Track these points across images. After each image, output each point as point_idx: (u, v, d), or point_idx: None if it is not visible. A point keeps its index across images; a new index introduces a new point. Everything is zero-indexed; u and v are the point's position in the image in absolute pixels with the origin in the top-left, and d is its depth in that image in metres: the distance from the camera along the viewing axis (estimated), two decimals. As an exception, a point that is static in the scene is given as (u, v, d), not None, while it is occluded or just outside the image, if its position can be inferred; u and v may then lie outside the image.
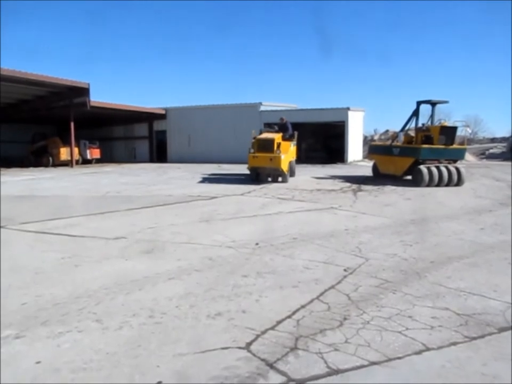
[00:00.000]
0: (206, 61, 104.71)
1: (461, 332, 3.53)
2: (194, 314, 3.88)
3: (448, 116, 16.65)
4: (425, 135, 14.73)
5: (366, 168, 20.08)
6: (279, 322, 3.69)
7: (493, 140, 47.40)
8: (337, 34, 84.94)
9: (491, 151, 37.71)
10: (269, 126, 18.46)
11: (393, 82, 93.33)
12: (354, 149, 28.41)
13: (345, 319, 3.77)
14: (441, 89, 73.70)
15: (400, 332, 3.50)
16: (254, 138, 15.89)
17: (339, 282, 4.79)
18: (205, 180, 16.66)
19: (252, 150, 15.02)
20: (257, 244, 6.41)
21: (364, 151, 30.29)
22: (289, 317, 3.81)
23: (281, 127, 16.77)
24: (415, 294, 4.40)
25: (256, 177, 15.45)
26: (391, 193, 12.69)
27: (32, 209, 9.86)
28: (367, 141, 33.61)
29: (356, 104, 27.36)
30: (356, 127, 28.26)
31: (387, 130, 43.68)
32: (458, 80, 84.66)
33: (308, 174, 18.49)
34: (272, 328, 3.58)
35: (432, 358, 3.13)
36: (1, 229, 7.44)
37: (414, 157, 14.54)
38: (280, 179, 15.26)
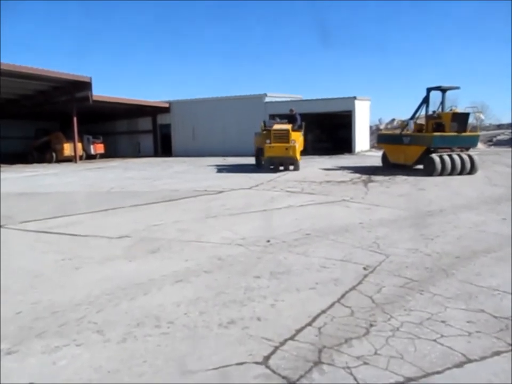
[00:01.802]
0: (209, 53, 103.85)
1: (503, 339, 3.16)
2: (205, 322, 3.53)
3: (454, 103, 16.20)
4: (436, 122, 14.28)
5: (375, 158, 19.68)
6: (298, 331, 3.33)
7: (499, 127, 46.60)
8: (339, 23, 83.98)
9: (498, 137, 37.05)
10: (273, 118, 19.03)
11: (397, 71, 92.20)
12: (362, 138, 27.94)
13: (371, 325, 3.40)
14: (445, 77, 72.70)
15: (435, 340, 3.14)
16: (265, 129, 16.67)
17: (360, 282, 4.42)
18: (211, 173, 16.33)
19: (268, 141, 15.88)
20: (268, 241, 6.05)
21: (370, 141, 29.82)
22: (309, 324, 3.45)
23: (291, 118, 17.35)
24: (444, 294, 4.02)
25: (270, 165, 16.23)
26: (403, 183, 12.28)
27: (33, 207, 9.55)
28: (372, 131, 33.08)
29: (359, 94, 26.78)
30: (362, 117, 27.78)
31: (393, 119, 42.98)
32: (462, 67, 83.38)
33: (315, 166, 18.14)
34: (292, 338, 3.23)
35: (476, 371, 2.77)
36: (1, 229, 7.12)
37: (425, 145, 14.07)
38: (291, 167, 16.21)
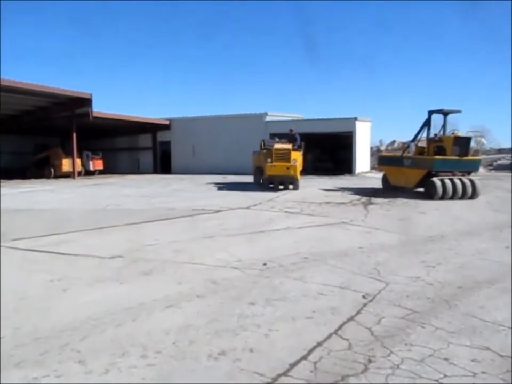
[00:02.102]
0: (211, 71, 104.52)
1: (510, 382, 2.96)
2: (194, 353, 3.33)
3: (454, 126, 16.16)
4: (437, 145, 14.18)
5: (375, 180, 19.55)
6: (292, 365, 3.14)
7: (499, 151, 46.60)
8: (339, 44, 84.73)
9: (499, 162, 36.99)
10: (272, 137, 19.50)
11: (398, 93, 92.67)
12: (362, 160, 27.86)
13: (370, 361, 3.21)
14: (446, 100, 73.07)
15: (437, 381, 2.94)
16: (265, 148, 17.04)
17: (359, 312, 4.23)
18: (210, 192, 16.19)
19: (269, 160, 16.10)
20: (265, 264, 5.86)
21: (371, 162, 29.75)
22: (304, 358, 3.26)
23: (290, 138, 17.62)
24: (447, 328, 3.83)
25: (270, 184, 16.52)
26: (403, 206, 12.12)
27: (27, 223, 9.38)
28: (373, 152, 33.05)
29: (360, 115, 26.79)
30: (363, 138, 27.74)
31: (393, 141, 43.18)
32: (463, 90, 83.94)
33: (315, 186, 18.00)
34: (285, 373, 3.03)
35: (482, 417, 2.58)
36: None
37: (426, 168, 13.95)
38: (291, 186, 16.38)
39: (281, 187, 16.44)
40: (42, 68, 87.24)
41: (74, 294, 4.72)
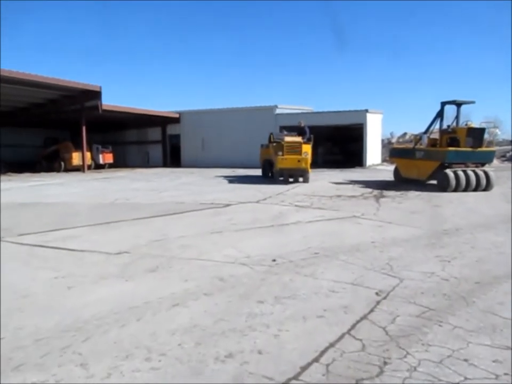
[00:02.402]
0: (221, 63, 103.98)
1: (536, 385, 2.78)
2: (200, 355, 3.19)
3: (466, 117, 15.82)
4: (450, 137, 13.90)
5: (386, 173, 19.29)
6: (304, 368, 2.98)
7: (512, 142, 45.82)
8: (352, 35, 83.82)
9: (512, 153, 36.37)
10: (281, 130, 19.69)
11: (409, 84, 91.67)
12: (373, 152, 27.52)
13: (385, 363, 3.04)
14: (457, 91, 72.00)
15: (458, 385, 2.77)
16: (274, 141, 16.99)
17: (372, 310, 4.05)
18: (219, 185, 16.06)
19: (280, 153, 16.07)
20: (274, 260, 5.71)
21: (382, 154, 29.41)
22: (316, 360, 3.09)
23: (300, 131, 17.72)
24: (466, 326, 3.65)
25: (280, 177, 16.52)
26: (416, 199, 11.88)
27: (34, 218, 9.30)
28: (383, 144, 32.66)
29: (371, 107, 26.41)
30: (374, 130, 27.39)
31: (405, 133, 42.65)
32: (475, 81, 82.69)
33: (326, 179, 17.80)
34: (296, 377, 2.88)
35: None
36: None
37: (439, 160, 13.67)
38: (300, 179, 16.41)
39: (290, 180, 16.48)
40: (52, 60, 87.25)
41: (79, 292, 4.60)
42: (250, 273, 5.19)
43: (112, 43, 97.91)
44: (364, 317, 3.86)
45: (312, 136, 17.31)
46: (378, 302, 4.25)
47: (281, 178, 16.40)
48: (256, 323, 3.75)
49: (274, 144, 16.82)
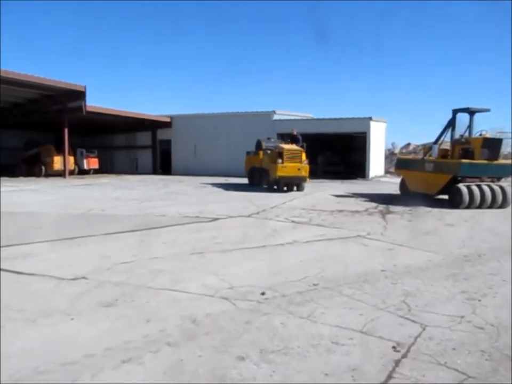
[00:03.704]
0: (215, 66, 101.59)
1: None
2: None
3: (479, 127, 14.84)
4: (463, 148, 12.84)
5: (391, 185, 18.26)
6: None
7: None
8: (353, 41, 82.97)
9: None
10: (278, 137, 20.11)
11: (412, 93, 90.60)
12: (376, 163, 26.38)
13: None
14: (462, 100, 70.97)
15: None
16: (266, 148, 17.18)
17: (390, 376, 2.98)
18: (209, 196, 14.96)
19: (280, 161, 15.87)
20: (263, 293, 4.62)
21: (385, 165, 28.35)
22: None
23: (293, 139, 18.08)
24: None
25: (274, 185, 16.43)
26: (426, 216, 10.80)
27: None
28: (385, 156, 31.59)
29: (373, 115, 25.33)
30: (377, 139, 26.28)
31: (408, 144, 41.57)
32: (483, 89, 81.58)
33: (326, 191, 16.74)
34: None
35: None
36: None
37: (451, 173, 12.53)
38: (295, 188, 16.37)
39: (284, 188, 16.36)
40: (34, 59, 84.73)
41: (8, 336, 3.49)
42: (232, 312, 4.11)
43: (100, 42, 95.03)
44: (380, 390, 2.79)
45: (304, 144, 17.33)
46: (397, 363, 3.18)
47: (275, 187, 16.32)
48: (230, 399, 2.67)
49: (269, 151, 16.81)
